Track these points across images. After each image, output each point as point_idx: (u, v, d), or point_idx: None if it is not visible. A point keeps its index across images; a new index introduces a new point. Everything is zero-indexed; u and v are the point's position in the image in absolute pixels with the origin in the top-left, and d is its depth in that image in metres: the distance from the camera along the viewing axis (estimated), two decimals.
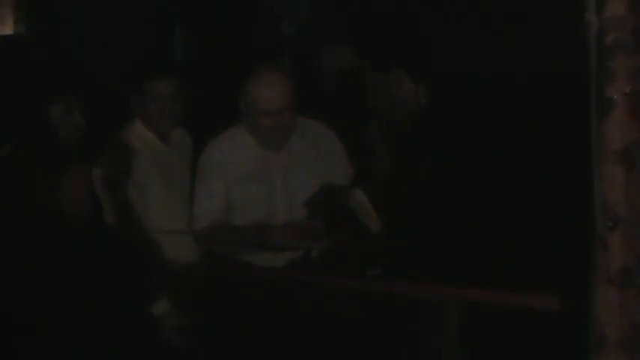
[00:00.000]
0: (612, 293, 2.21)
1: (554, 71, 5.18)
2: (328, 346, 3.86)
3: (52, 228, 3.93)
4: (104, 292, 4.05)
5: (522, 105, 5.18)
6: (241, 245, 3.83)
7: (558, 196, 4.43)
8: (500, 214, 3.54)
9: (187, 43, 6.36)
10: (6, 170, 3.95)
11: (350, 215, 3.60)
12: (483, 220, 3.47)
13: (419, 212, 3.48)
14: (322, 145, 3.93)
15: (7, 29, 5.56)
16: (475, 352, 3.41)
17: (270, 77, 3.81)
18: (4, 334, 3.85)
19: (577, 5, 2.35)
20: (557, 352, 3.27)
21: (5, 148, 3.88)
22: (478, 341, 3.40)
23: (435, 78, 3.57)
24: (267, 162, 3.84)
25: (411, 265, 3.45)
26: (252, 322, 3.84)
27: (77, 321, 3.93)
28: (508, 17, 5.50)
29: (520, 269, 3.35)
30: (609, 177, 2.18)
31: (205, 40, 6.26)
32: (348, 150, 4.05)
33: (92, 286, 3.96)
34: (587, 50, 2.26)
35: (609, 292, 2.21)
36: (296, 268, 3.81)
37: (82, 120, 3.96)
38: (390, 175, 3.81)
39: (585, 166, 2.37)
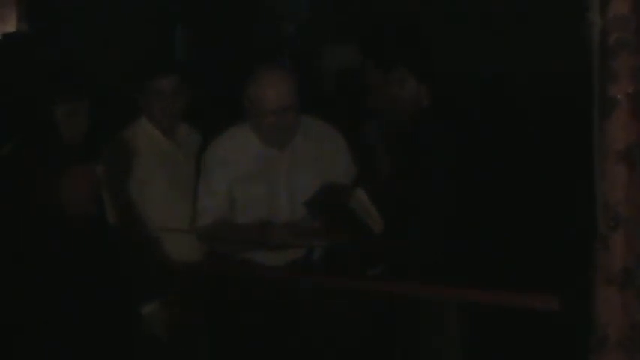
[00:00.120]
0: (613, 293, 2.21)
1: (554, 71, 5.19)
2: (328, 346, 3.87)
3: (52, 228, 3.93)
4: (104, 291, 4.06)
5: (523, 105, 5.19)
6: (243, 243, 3.82)
7: (559, 196, 4.44)
8: (501, 214, 3.54)
9: (188, 42, 6.37)
10: (7, 170, 3.95)
11: (351, 215, 3.60)
12: (483, 220, 3.46)
13: (419, 212, 3.48)
14: (326, 144, 3.93)
15: (10, 27, 5.55)
16: (475, 352, 3.42)
17: (274, 76, 3.80)
18: (4, 334, 3.86)
19: (578, 5, 2.36)
20: (557, 352, 3.28)
21: (6, 147, 3.88)
22: (478, 341, 3.40)
23: (436, 77, 3.57)
24: (271, 160, 3.84)
25: (411, 265, 3.45)
26: (253, 321, 3.85)
27: (78, 321, 3.93)
28: (508, 17, 5.51)
29: (520, 269, 3.35)
30: (611, 177, 2.18)
31: (206, 39, 6.26)
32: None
33: (93, 286, 3.96)
34: (588, 50, 2.26)
35: (610, 292, 2.21)
36: (297, 268, 3.81)
37: (85, 120, 3.97)
38: (390, 175, 3.82)
39: (586, 166, 2.37)
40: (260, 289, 3.80)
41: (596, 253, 2.24)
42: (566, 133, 4.65)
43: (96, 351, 4.01)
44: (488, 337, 3.39)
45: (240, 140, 3.89)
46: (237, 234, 3.83)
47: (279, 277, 3.77)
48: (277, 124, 3.76)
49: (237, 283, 3.86)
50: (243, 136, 3.89)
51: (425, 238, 3.46)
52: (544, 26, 5.31)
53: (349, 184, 3.82)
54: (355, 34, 5.26)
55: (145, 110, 4.19)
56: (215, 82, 5.40)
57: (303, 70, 4.13)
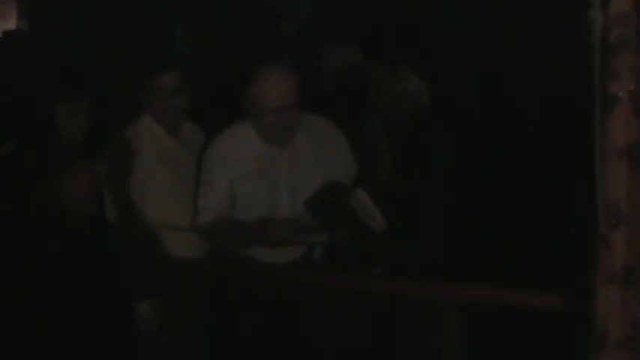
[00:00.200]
0: (614, 292, 2.20)
1: (554, 71, 5.20)
2: (328, 346, 3.86)
3: (52, 228, 3.93)
4: (104, 291, 4.05)
5: (523, 105, 5.19)
6: (243, 240, 3.83)
7: (559, 195, 4.43)
8: (501, 214, 3.53)
9: (188, 42, 6.37)
10: (7, 170, 3.95)
11: (351, 215, 3.60)
12: (484, 220, 3.46)
13: (419, 212, 3.48)
14: (327, 143, 3.93)
15: (10, 24, 5.55)
16: (475, 352, 3.41)
17: (275, 74, 3.81)
18: (4, 334, 3.85)
19: (577, 4, 2.36)
20: (558, 351, 3.27)
21: (7, 145, 3.88)
22: (478, 341, 3.40)
23: (437, 76, 3.57)
24: (272, 158, 3.84)
25: (411, 264, 3.45)
26: (253, 321, 3.84)
27: (78, 321, 3.93)
28: (508, 17, 5.51)
29: (521, 268, 3.34)
30: (612, 175, 2.17)
31: (206, 39, 6.26)
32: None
33: (93, 286, 3.96)
34: (589, 48, 2.26)
35: (611, 290, 2.20)
36: (298, 267, 3.81)
37: (85, 120, 3.96)
38: (390, 174, 3.82)
39: (587, 165, 2.37)
40: (260, 288, 3.80)
41: (597, 252, 2.23)
42: (566, 132, 4.65)
43: (96, 351, 4.01)
44: (489, 337, 3.38)
45: (242, 138, 3.89)
46: (238, 231, 3.83)
47: (279, 276, 3.77)
48: (278, 122, 3.77)
49: (238, 282, 3.86)
50: (245, 134, 3.89)
51: (425, 237, 3.46)
52: (544, 26, 5.31)
53: (350, 183, 3.83)
54: (355, 33, 5.26)
55: (148, 108, 4.20)
56: (215, 82, 5.40)
57: (303, 69, 4.12)
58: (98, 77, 4.77)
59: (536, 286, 3.04)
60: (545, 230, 4.09)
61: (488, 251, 3.39)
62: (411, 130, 3.61)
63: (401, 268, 3.47)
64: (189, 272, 4.14)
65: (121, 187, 4.14)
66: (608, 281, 2.20)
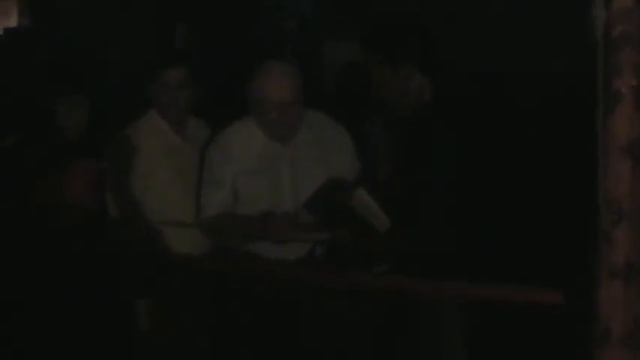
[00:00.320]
0: (616, 288, 2.20)
1: (554, 71, 5.21)
2: (329, 346, 3.86)
3: (52, 228, 3.93)
4: (104, 290, 4.05)
5: (523, 105, 5.19)
6: (244, 235, 3.83)
7: (560, 194, 4.44)
8: (502, 213, 3.53)
9: (188, 42, 6.38)
10: (7, 168, 3.95)
11: (352, 215, 3.59)
12: (484, 219, 3.46)
13: (419, 211, 3.48)
14: (330, 139, 3.93)
15: (12, 21, 5.55)
16: (476, 350, 3.41)
17: (278, 70, 3.82)
18: (4, 333, 3.85)
19: (578, 3, 2.36)
20: (560, 348, 3.27)
21: (9, 139, 3.88)
22: (478, 341, 3.39)
23: (438, 75, 3.57)
24: (275, 155, 3.85)
25: (412, 264, 3.44)
26: (253, 320, 3.84)
27: (78, 321, 3.93)
28: (508, 17, 5.52)
29: (523, 267, 3.34)
30: (615, 171, 2.17)
31: (207, 38, 6.27)
32: None
33: (93, 286, 3.96)
34: (591, 46, 2.26)
35: (613, 287, 2.21)
36: (300, 265, 3.81)
37: (85, 115, 3.97)
38: (392, 172, 3.82)
39: (587, 163, 2.37)
40: (261, 286, 3.80)
41: (599, 248, 2.23)
42: (566, 131, 4.66)
43: (95, 350, 4.01)
44: (489, 337, 3.38)
45: (244, 134, 3.89)
46: (239, 226, 3.83)
47: (279, 274, 3.77)
48: (281, 119, 3.77)
49: (238, 281, 3.85)
50: (247, 130, 3.89)
51: (425, 237, 3.46)
52: (544, 26, 5.32)
53: (353, 180, 3.82)
54: (356, 30, 5.25)
55: (154, 103, 4.21)
56: (215, 80, 5.40)
57: (304, 67, 4.12)
58: (98, 75, 4.77)
59: (538, 284, 3.04)
60: (546, 229, 4.10)
61: (488, 251, 3.39)
62: (411, 130, 3.61)
63: (402, 268, 3.46)
64: (189, 270, 4.14)
65: (123, 184, 4.14)
66: (610, 278, 2.20)
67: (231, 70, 5.22)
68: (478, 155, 3.48)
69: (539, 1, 5.30)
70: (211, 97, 4.91)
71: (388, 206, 3.54)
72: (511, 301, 3.08)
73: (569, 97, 4.75)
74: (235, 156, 3.86)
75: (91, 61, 5.03)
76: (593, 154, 2.30)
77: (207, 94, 4.38)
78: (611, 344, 2.21)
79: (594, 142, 2.29)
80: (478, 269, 3.30)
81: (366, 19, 5.69)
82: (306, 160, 3.85)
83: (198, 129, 4.28)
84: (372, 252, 3.62)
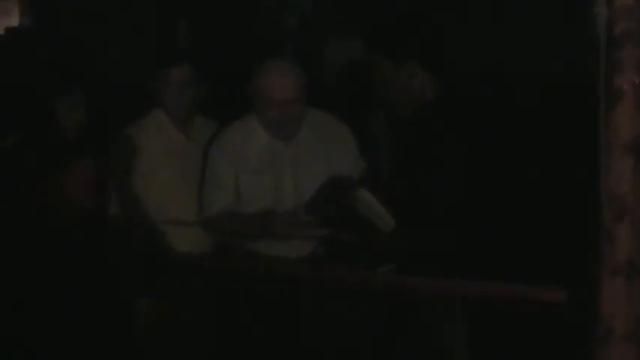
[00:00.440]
0: (618, 285, 2.20)
1: (555, 71, 5.21)
2: (329, 346, 3.86)
3: (52, 227, 3.93)
4: (104, 290, 4.05)
5: (523, 104, 5.20)
6: (246, 233, 3.83)
7: (560, 193, 4.44)
8: (502, 213, 3.53)
9: (188, 42, 6.38)
10: (7, 168, 3.95)
11: (354, 215, 3.58)
12: (485, 219, 3.46)
13: (419, 211, 3.48)
14: (332, 138, 3.93)
15: (13, 20, 5.56)
16: (477, 348, 3.41)
17: (280, 67, 3.82)
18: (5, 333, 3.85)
19: (578, 3, 2.36)
20: (563, 345, 3.27)
21: (9, 139, 3.88)
22: (481, 337, 3.39)
23: (442, 73, 3.57)
24: (277, 152, 3.85)
25: (414, 263, 3.44)
26: (254, 320, 3.84)
27: (78, 321, 3.93)
28: (508, 17, 5.53)
29: (524, 267, 3.34)
30: (617, 168, 2.17)
31: (207, 38, 6.28)
32: None
33: (93, 286, 3.96)
34: (593, 43, 2.26)
35: (615, 284, 2.21)
36: (301, 264, 3.80)
37: (84, 116, 3.97)
38: (392, 172, 3.81)
39: (588, 161, 2.37)
40: (261, 286, 3.80)
41: (601, 246, 2.23)
42: (567, 130, 4.67)
43: (95, 350, 4.01)
44: (493, 332, 3.38)
45: (247, 132, 3.90)
46: (241, 224, 3.83)
47: (280, 273, 3.76)
48: (283, 116, 3.77)
49: (239, 280, 3.85)
50: (250, 128, 3.89)
51: (425, 237, 3.46)
52: (544, 26, 5.33)
53: (357, 180, 3.81)
54: (356, 28, 5.26)
55: (159, 102, 4.22)
56: (217, 78, 5.39)
57: (305, 66, 4.11)
58: (98, 75, 4.78)
59: (539, 283, 3.04)
60: (547, 228, 4.10)
61: (489, 251, 3.39)
62: (411, 130, 3.61)
63: (405, 267, 3.46)
64: (189, 269, 4.14)
65: (124, 183, 4.14)
66: (612, 275, 2.20)
67: (231, 69, 5.22)
68: (478, 155, 3.47)
69: (539, 1, 5.31)
70: (213, 96, 4.90)
71: (389, 206, 3.53)
72: (512, 299, 3.08)
73: (570, 97, 4.76)
74: (237, 154, 3.86)
75: (91, 61, 5.04)
76: (594, 153, 2.30)
77: (212, 92, 4.37)
78: (613, 342, 2.21)
79: (595, 140, 2.30)
80: (478, 269, 3.30)
81: (367, 17, 5.69)
82: (309, 158, 3.85)
83: (204, 127, 4.28)
84: (377, 252, 3.61)
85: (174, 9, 6.38)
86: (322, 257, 3.81)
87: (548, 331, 3.42)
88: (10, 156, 3.92)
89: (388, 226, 3.47)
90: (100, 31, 5.81)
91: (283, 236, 3.72)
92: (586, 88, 2.43)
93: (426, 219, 3.45)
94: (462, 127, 3.50)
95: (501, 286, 3.08)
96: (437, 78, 3.54)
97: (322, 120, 3.96)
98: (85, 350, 4.00)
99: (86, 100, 4.07)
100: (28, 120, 3.91)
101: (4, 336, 3.85)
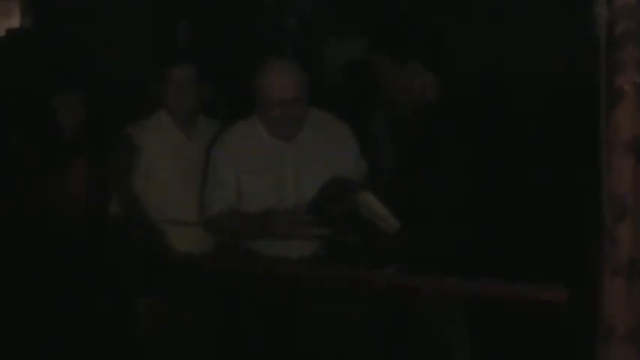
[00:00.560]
0: (619, 285, 2.20)
1: (555, 70, 5.21)
2: (330, 347, 3.86)
3: (52, 227, 3.93)
4: (104, 290, 4.06)
5: (523, 104, 5.19)
6: (246, 232, 3.83)
7: (560, 193, 4.44)
8: (502, 213, 3.53)
9: (189, 41, 6.38)
10: (7, 169, 3.95)
11: (355, 217, 3.57)
12: (485, 219, 3.46)
13: (420, 211, 3.48)
14: (334, 138, 3.93)
15: (14, 22, 5.56)
16: (478, 347, 3.41)
17: (281, 67, 3.82)
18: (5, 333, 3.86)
19: (579, 3, 2.37)
20: (564, 345, 3.27)
21: (15, 135, 3.89)
22: (482, 336, 3.40)
23: (442, 73, 3.57)
24: (278, 152, 3.85)
25: (415, 263, 3.44)
26: (255, 319, 3.84)
27: (78, 320, 3.93)
28: (508, 17, 5.52)
29: (524, 266, 3.34)
30: (618, 169, 2.17)
31: (208, 36, 6.27)
32: None
33: (93, 286, 3.96)
34: (590, 47, 2.26)
35: (616, 283, 2.21)
36: (302, 263, 3.80)
37: (84, 115, 3.97)
38: (393, 173, 3.81)
39: (590, 161, 2.37)
40: (261, 286, 3.80)
41: (602, 245, 2.23)
42: (567, 131, 4.66)
43: (95, 350, 4.01)
44: (493, 331, 3.38)
45: (248, 132, 3.90)
46: (242, 223, 3.83)
47: (281, 272, 3.76)
48: (284, 116, 3.77)
49: (239, 280, 3.85)
50: (251, 128, 3.90)
51: (426, 237, 3.46)
52: (544, 26, 5.33)
53: (358, 180, 3.81)
54: (356, 28, 5.26)
55: (162, 102, 4.22)
56: (217, 79, 5.40)
57: (305, 66, 4.10)
58: (98, 76, 4.78)
59: (540, 283, 3.04)
60: (547, 228, 4.10)
61: (489, 250, 3.39)
62: (411, 130, 3.61)
63: (407, 268, 3.45)
64: (189, 269, 4.14)
65: (124, 183, 4.14)
66: (613, 274, 2.20)
67: (231, 69, 5.22)
68: (478, 155, 3.48)
69: (539, 1, 5.31)
70: (213, 96, 4.91)
71: (389, 206, 3.53)
72: (513, 298, 3.08)
73: (570, 97, 4.75)
74: (238, 154, 3.86)
75: (91, 61, 5.04)
76: (595, 153, 2.30)
77: (213, 92, 4.37)
78: (614, 341, 2.21)
79: (595, 140, 2.30)
80: (479, 269, 3.30)
81: (367, 17, 5.69)
82: (310, 158, 3.85)
83: (206, 128, 4.28)
84: (377, 252, 3.61)
85: (174, 9, 6.38)
86: (323, 257, 3.81)
87: (549, 331, 3.42)
88: (10, 156, 3.92)
89: (392, 228, 3.46)
90: (100, 31, 5.81)
91: (284, 236, 3.72)
92: (586, 88, 2.43)
93: (426, 219, 3.45)
94: (462, 127, 3.50)
95: (501, 285, 3.07)
96: (437, 78, 3.55)
97: (323, 120, 3.96)
98: (85, 350, 4.00)
99: (86, 100, 4.08)
100: (28, 120, 3.91)
101: (5, 336, 3.85)
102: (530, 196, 4.01)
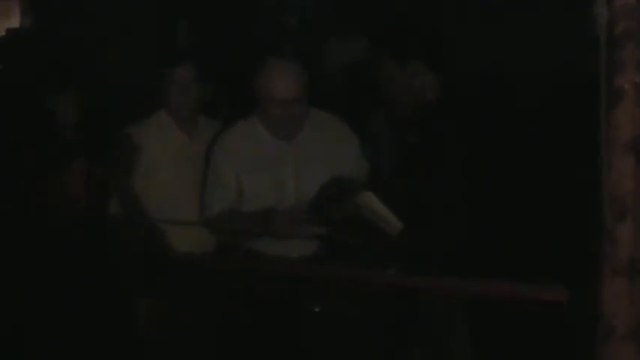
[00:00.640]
0: (620, 284, 2.20)
1: (554, 70, 5.21)
2: (329, 346, 3.86)
3: (52, 227, 3.93)
4: (104, 290, 4.06)
5: (523, 104, 5.19)
6: (246, 232, 3.83)
7: (561, 194, 4.44)
8: (502, 213, 3.53)
9: (189, 41, 6.38)
10: (7, 169, 3.95)
11: (360, 221, 3.57)
12: (485, 219, 3.46)
13: (419, 211, 3.48)
14: (335, 138, 3.92)
15: (14, 21, 5.56)
16: (479, 346, 3.41)
17: (281, 67, 3.82)
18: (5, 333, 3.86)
19: (579, 2, 2.37)
20: (564, 344, 3.27)
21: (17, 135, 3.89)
22: (482, 335, 3.40)
23: (446, 72, 3.57)
24: (279, 152, 3.85)
25: (416, 263, 3.44)
26: (255, 319, 3.84)
27: (78, 320, 3.93)
28: (508, 17, 5.53)
29: (525, 266, 3.34)
30: (618, 168, 2.17)
31: (208, 36, 6.28)
32: None
33: (93, 286, 3.96)
34: (590, 46, 2.27)
35: (617, 283, 2.21)
36: (302, 263, 3.80)
37: (83, 115, 3.97)
38: (393, 173, 3.81)
39: (590, 161, 2.37)
40: (262, 286, 3.80)
41: (603, 245, 2.23)
42: (567, 131, 4.66)
43: (95, 350, 4.02)
44: (492, 334, 3.39)
45: (249, 132, 3.90)
46: (241, 223, 3.84)
47: (282, 273, 3.76)
48: (284, 115, 3.77)
49: (239, 280, 3.85)
50: (252, 128, 3.89)
51: (426, 237, 3.46)
52: (544, 26, 5.33)
53: (360, 180, 3.80)
54: (357, 27, 5.26)
55: (163, 102, 4.22)
56: (217, 79, 5.41)
57: (305, 66, 4.11)
58: (98, 75, 4.78)
59: (540, 283, 3.04)
60: (547, 228, 4.10)
61: (490, 250, 3.39)
62: (411, 130, 3.61)
63: (407, 268, 3.46)
64: (189, 269, 4.14)
65: (124, 182, 4.14)
66: (613, 274, 2.20)
67: (231, 69, 5.22)
68: (478, 155, 3.48)
69: (539, 1, 5.31)
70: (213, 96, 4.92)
71: (389, 206, 3.53)
72: (513, 298, 3.08)
73: (570, 97, 4.75)
74: (238, 154, 3.86)
75: (91, 61, 5.05)
76: (595, 153, 2.30)
77: (213, 92, 4.38)
78: (614, 340, 2.21)
79: (595, 140, 2.30)
80: (479, 268, 3.30)
81: (367, 17, 5.70)
82: (310, 157, 3.85)
83: (207, 128, 4.28)
84: (377, 252, 3.61)
85: (174, 9, 6.39)
86: (324, 257, 3.81)
87: (549, 331, 3.42)
88: (10, 156, 3.92)
89: (395, 229, 3.45)
90: (100, 31, 5.82)
91: (284, 235, 3.72)
92: (586, 88, 2.43)
93: (426, 219, 3.45)
94: (462, 127, 3.50)
95: (501, 285, 3.07)
96: (437, 77, 3.55)
97: (324, 120, 3.95)
98: (85, 350, 4.00)
99: (86, 100, 4.08)
100: (28, 120, 3.91)
101: (5, 336, 3.85)
102: (530, 196, 4.01)
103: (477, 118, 3.60)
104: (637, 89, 2.12)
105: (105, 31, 5.87)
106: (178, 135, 4.26)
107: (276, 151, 3.85)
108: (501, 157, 3.59)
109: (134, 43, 5.89)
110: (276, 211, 3.74)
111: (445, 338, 3.49)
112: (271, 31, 6.39)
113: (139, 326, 4.23)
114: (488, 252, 3.38)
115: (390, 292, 3.51)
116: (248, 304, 3.84)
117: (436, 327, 3.47)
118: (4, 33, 5.40)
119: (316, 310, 3.74)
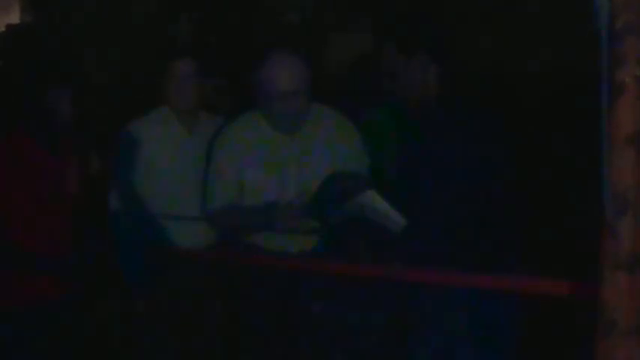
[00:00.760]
0: (621, 279, 2.20)
1: (555, 71, 5.22)
2: (329, 346, 3.86)
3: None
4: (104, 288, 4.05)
5: (523, 104, 5.20)
6: (247, 226, 3.84)
7: (561, 194, 4.44)
8: (502, 213, 3.53)
9: (191, 36, 6.39)
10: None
11: (360, 220, 3.56)
12: (485, 219, 3.46)
13: (419, 211, 3.48)
14: (337, 133, 3.93)
15: (14, 17, 5.57)
16: (481, 343, 3.41)
17: (284, 60, 3.82)
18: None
19: (579, 3, 2.36)
20: (566, 339, 3.27)
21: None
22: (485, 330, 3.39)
23: (446, 72, 3.57)
24: (281, 146, 3.85)
25: (417, 262, 3.43)
26: (255, 319, 3.84)
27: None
28: (508, 17, 5.53)
29: (527, 263, 3.34)
30: (619, 162, 2.16)
31: (208, 31, 6.29)
32: None
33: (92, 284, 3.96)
34: (590, 42, 2.26)
35: (618, 278, 2.20)
36: (303, 257, 3.81)
37: (82, 113, 3.97)
38: (394, 172, 3.81)
39: (590, 160, 2.37)
40: (262, 286, 3.80)
41: (604, 239, 2.22)
42: (567, 130, 4.67)
43: (95, 350, 4.01)
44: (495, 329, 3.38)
45: (251, 126, 3.90)
46: (243, 217, 3.84)
47: (283, 266, 3.77)
48: (286, 109, 3.77)
49: (239, 280, 3.86)
50: (254, 122, 3.90)
51: (426, 237, 3.45)
52: (544, 26, 5.34)
53: (362, 176, 3.80)
54: (358, 24, 5.26)
55: (164, 97, 4.23)
56: (218, 77, 5.41)
57: (308, 60, 4.12)
58: (97, 75, 4.79)
59: (544, 273, 3.04)
60: (548, 226, 4.10)
61: (490, 250, 3.39)
62: (412, 129, 3.61)
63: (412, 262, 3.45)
64: (190, 265, 4.14)
65: (125, 178, 4.15)
66: (615, 268, 2.20)
67: (231, 68, 5.23)
68: (479, 155, 3.47)
69: (539, 0, 5.32)
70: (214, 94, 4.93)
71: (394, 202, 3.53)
72: (514, 291, 3.08)
73: (570, 96, 4.76)
74: (240, 149, 3.87)
75: (91, 61, 5.05)
76: (595, 153, 2.30)
77: (217, 88, 4.39)
78: (615, 336, 2.21)
79: (595, 140, 2.29)
80: (479, 268, 3.30)
81: (367, 16, 5.71)
82: (312, 152, 3.86)
83: (208, 123, 4.28)
84: (379, 253, 3.61)
85: (175, 8, 6.40)
86: (324, 252, 3.82)
87: (551, 326, 3.42)
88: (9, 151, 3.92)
89: (397, 226, 3.46)
90: (99, 31, 5.82)
91: (285, 230, 3.73)
92: (586, 87, 2.43)
93: (427, 219, 3.45)
94: (462, 127, 3.50)
95: (502, 278, 3.07)
96: (441, 74, 3.54)
97: (326, 115, 3.96)
98: (85, 350, 4.00)
99: (83, 98, 4.07)
100: (27, 116, 3.91)
101: (5, 335, 3.85)
102: (530, 196, 4.02)
103: (477, 118, 3.60)
104: (638, 83, 2.11)
105: (105, 31, 5.88)
106: (179, 130, 4.26)
107: (278, 146, 3.85)
108: (501, 157, 3.59)
109: (134, 42, 5.90)
110: (277, 205, 3.74)
111: (444, 334, 3.48)
112: (271, 30, 6.40)
113: (139, 326, 4.23)
114: (488, 252, 3.38)
115: (391, 288, 3.51)
116: (248, 303, 3.85)
117: (434, 322, 3.47)
118: (3, 29, 5.41)
119: (316, 310, 3.73)
